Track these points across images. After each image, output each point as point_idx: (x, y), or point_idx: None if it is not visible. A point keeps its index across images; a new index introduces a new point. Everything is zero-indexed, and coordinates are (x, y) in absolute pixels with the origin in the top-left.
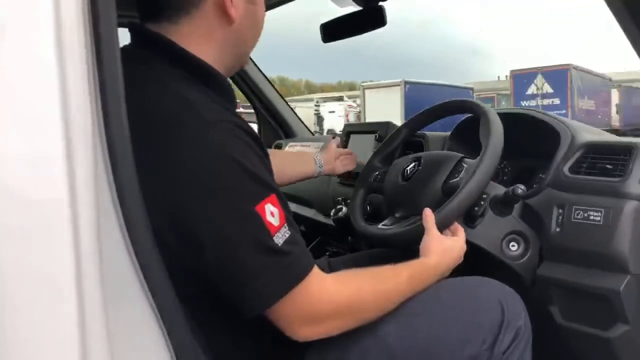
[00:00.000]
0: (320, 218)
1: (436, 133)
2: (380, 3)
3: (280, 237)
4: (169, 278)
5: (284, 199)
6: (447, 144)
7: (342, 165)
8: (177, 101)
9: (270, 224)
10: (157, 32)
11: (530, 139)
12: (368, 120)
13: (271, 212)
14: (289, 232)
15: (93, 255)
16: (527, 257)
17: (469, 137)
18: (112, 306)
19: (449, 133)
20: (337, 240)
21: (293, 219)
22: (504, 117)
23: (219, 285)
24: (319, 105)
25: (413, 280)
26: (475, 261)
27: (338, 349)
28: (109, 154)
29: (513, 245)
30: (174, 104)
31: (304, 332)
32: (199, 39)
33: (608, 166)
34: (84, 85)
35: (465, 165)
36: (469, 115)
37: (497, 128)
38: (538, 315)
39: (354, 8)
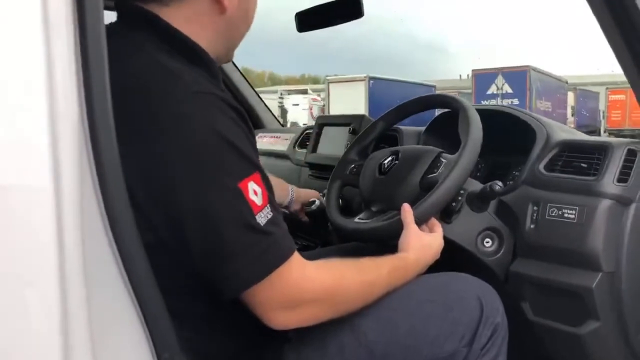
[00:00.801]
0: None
1: (411, 127)
2: None
3: (262, 217)
4: (150, 268)
5: (268, 179)
6: (422, 139)
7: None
8: (160, 71)
9: (253, 202)
10: (142, 6)
11: (505, 136)
12: (332, 114)
13: (254, 191)
14: (271, 213)
15: (76, 244)
16: (500, 253)
17: (444, 132)
18: (94, 296)
19: (423, 128)
20: (308, 234)
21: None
22: (480, 113)
23: (198, 266)
24: (282, 98)
25: (393, 274)
26: (450, 256)
27: (316, 344)
28: (91, 138)
29: (487, 242)
30: (157, 74)
31: (280, 319)
32: (188, 23)
33: (583, 165)
34: (70, 64)
35: (443, 161)
36: (445, 110)
37: (476, 124)
38: (510, 311)
39: None
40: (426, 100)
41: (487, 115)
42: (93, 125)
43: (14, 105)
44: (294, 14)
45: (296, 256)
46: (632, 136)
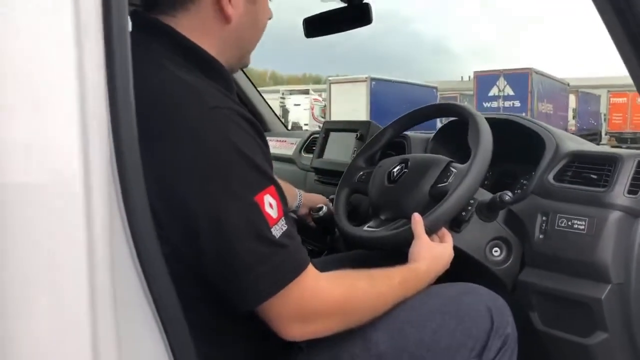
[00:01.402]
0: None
1: (418, 134)
2: (365, 0)
3: (277, 230)
4: (170, 280)
5: (282, 191)
6: (429, 146)
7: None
8: (177, 85)
9: (269, 215)
10: (155, 17)
11: (512, 144)
12: (333, 114)
13: (270, 204)
14: (286, 225)
15: (104, 252)
16: (509, 262)
17: (452, 140)
18: (119, 308)
19: (431, 134)
20: (315, 239)
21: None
22: (488, 121)
23: (213, 279)
24: (284, 98)
25: (404, 285)
26: (458, 265)
27: (328, 354)
28: (115, 148)
29: (496, 251)
30: (174, 88)
31: (294, 331)
32: (196, 33)
33: (593, 176)
34: (100, 72)
35: (453, 170)
36: (453, 118)
37: (487, 134)
38: (518, 320)
39: (337, 4)
40: (435, 109)
41: (496, 124)
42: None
43: (47, 106)
44: (302, 20)
45: (310, 268)
46: (633, 139)
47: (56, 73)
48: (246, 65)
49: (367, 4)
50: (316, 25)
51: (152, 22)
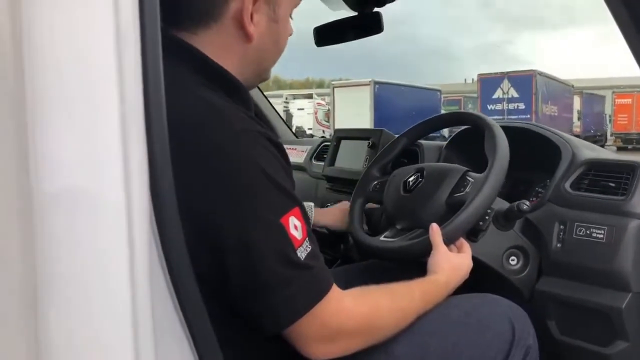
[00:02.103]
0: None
1: (432, 142)
2: (376, 9)
3: (302, 251)
4: (202, 301)
5: (306, 212)
6: (443, 154)
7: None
8: (203, 107)
9: (294, 237)
10: (178, 36)
11: (527, 152)
12: (337, 118)
13: (295, 225)
14: (310, 246)
15: (144, 269)
16: (526, 271)
17: (466, 148)
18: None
19: (444, 143)
20: (328, 248)
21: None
22: (504, 130)
23: (238, 301)
24: (288, 102)
25: (425, 297)
26: (475, 274)
27: None
28: (149, 167)
29: (513, 260)
30: (201, 110)
31: (320, 351)
32: (218, 51)
33: (611, 184)
34: (137, 88)
35: (470, 180)
36: (466, 126)
37: (503, 143)
38: (536, 330)
39: (348, 12)
40: (449, 118)
41: (510, 132)
42: (152, 156)
43: (90, 114)
44: (313, 29)
45: (334, 288)
46: (638, 140)
47: (100, 78)
48: (265, 80)
49: (378, 13)
50: (327, 34)
51: (176, 41)
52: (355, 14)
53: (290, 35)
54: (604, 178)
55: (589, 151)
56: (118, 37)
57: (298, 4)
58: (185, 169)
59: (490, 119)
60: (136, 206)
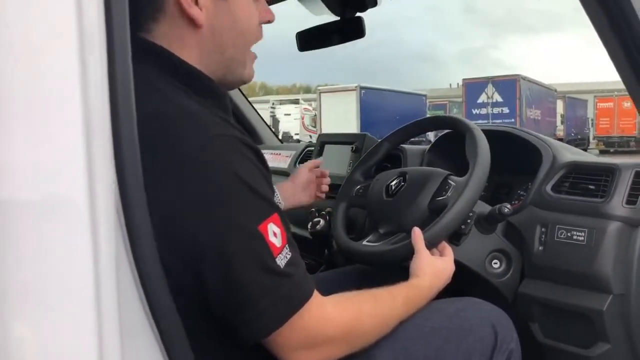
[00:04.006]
0: (295, 230)
1: (415, 146)
2: (358, 14)
3: (282, 259)
4: (176, 312)
5: (286, 218)
6: (425, 158)
7: (309, 195)
8: (178, 114)
9: (273, 244)
10: (141, 35)
11: (508, 156)
12: (324, 123)
13: (274, 232)
14: (290, 253)
15: (110, 277)
16: (509, 275)
17: (448, 152)
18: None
19: (427, 147)
20: (312, 253)
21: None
22: (485, 133)
23: (217, 311)
24: (274, 108)
25: (408, 302)
26: (458, 278)
27: None
28: (117, 171)
29: (495, 263)
30: (176, 117)
31: (301, 359)
32: (173, 44)
33: (590, 187)
34: (104, 90)
35: (452, 183)
36: (448, 130)
37: (484, 146)
38: (519, 333)
39: (330, 17)
40: (431, 122)
41: (491, 136)
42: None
43: (50, 118)
44: (295, 34)
45: (316, 295)
46: (620, 143)
47: (63, 97)
48: (246, 81)
49: (360, 18)
50: (309, 39)
51: (139, 40)
52: (337, 18)
53: (271, 21)
54: (584, 180)
55: (570, 154)
56: (81, 36)
57: None
58: (159, 177)
59: (470, 122)
60: (102, 214)
